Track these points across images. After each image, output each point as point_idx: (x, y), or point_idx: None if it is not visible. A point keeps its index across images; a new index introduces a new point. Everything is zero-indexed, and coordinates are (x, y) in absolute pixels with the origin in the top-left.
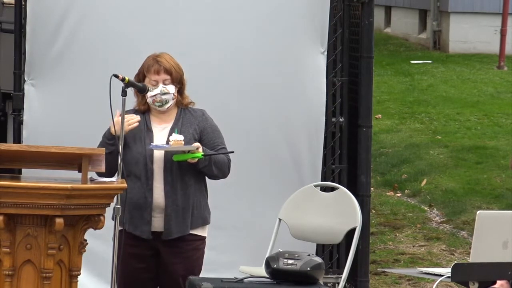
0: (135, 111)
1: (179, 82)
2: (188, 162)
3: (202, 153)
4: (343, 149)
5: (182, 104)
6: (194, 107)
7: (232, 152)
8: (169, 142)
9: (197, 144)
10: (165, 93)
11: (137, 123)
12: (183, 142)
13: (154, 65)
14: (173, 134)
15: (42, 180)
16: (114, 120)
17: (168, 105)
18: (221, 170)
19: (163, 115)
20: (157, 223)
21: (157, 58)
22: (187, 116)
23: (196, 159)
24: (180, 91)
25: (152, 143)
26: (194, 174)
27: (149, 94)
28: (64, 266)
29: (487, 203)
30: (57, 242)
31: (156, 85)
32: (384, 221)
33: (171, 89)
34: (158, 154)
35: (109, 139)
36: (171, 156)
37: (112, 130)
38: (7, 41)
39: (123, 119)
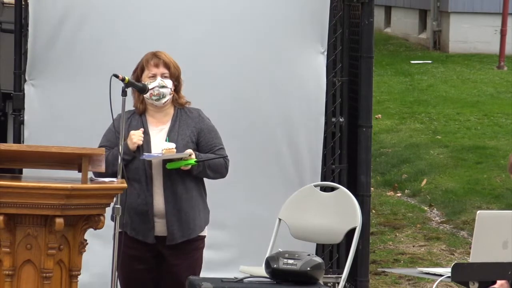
0: (133, 113)
1: (176, 79)
2: (182, 169)
3: (195, 159)
4: (343, 149)
5: (178, 104)
6: (190, 106)
7: (226, 156)
8: (161, 151)
9: (189, 151)
10: (163, 87)
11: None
12: (175, 150)
13: (153, 59)
14: (165, 142)
15: (42, 180)
16: (130, 137)
17: (165, 99)
18: (218, 172)
19: (159, 115)
20: (159, 227)
21: (156, 53)
22: (183, 117)
23: (189, 166)
24: (177, 89)
25: (144, 154)
26: (194, 177)
27: None
28: (64, 266)
29: (487, 203)
30: (57, 242)
31: (154, 77)
32: (384, 221)
33: (169, 83)
34: (156, 160)
35: (128, 154)
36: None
37: (131, 146)
38: (7, 41)
39: (123, 117)
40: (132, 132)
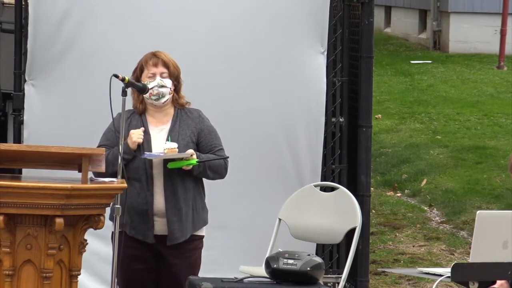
0: (133, 112)
1: (175, 79)
2: (183, 169)
3: (197, 159)
4: (343, 149)
5: (178, 104)
6: (190, 106)
7: (227, 157)
8: (164, 150)
9: (191, 151)
10: (162, 86)
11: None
12: (177, 150)
13: (152, 58)
14: (167, 142)
15: (42, 180)
16: (130, 135)
17: (165, 99)
18: (218, 173)
19: (159, 115)
20: (159, 226)
21: (155, 52)
22: (184, 118)
23: (191, 166)
24: (177, 89)
25: (146, 152)
26: (193, 178)
27: None
28: (64, 266)
29: (487, 203)
30: (57, 242)
31: (153, 77)
32: (384, 221)
33: (168, 83)
34: (157, 159)
35: (128, 154)
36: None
37: (132, 145)
38: (7, 41)
39: (123, 118)
40: (132, 131)
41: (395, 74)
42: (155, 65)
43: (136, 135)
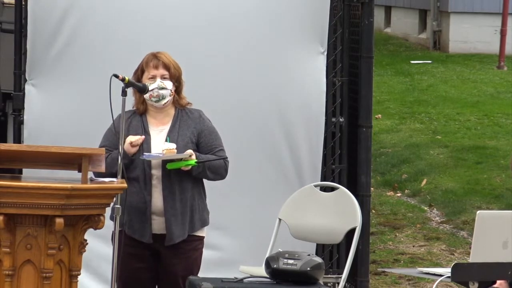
0: (134, 113)
1: (176, 80)
2: (182, 170)
3: (195, 160)
4: (343, 149)
5: (179, 105)
6: (191, 107)
7: (226, 158)
8: (162, 151)
9: (189, 151)
10: (162, 88)
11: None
12: (175, 151)
13: (152, 60)
14: (165, 142)
15: (42, 180)
16: (127, 142)
17: (165, 101)
18: (218, 174)
19: (160, 116)
20: (157, 225)
21: (156, 54)
22: (184, 118)
23: (190, 167)
24: (178, 90)
25: (144, 153)
26: (191, 178)
27: None
28: (64, 266)
29: (487, 203)
30: (57, 242)
31: (154, 79)
32: (384, 221)
33: (169, 85)
34: (156, 160)
35: (125, 158)
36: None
37: (129, 151)
38: (7, 41)
39: (123, 118)
40: (130, 137)
41: (395, 74)
42: (156, 67)
43: (135, 142)
